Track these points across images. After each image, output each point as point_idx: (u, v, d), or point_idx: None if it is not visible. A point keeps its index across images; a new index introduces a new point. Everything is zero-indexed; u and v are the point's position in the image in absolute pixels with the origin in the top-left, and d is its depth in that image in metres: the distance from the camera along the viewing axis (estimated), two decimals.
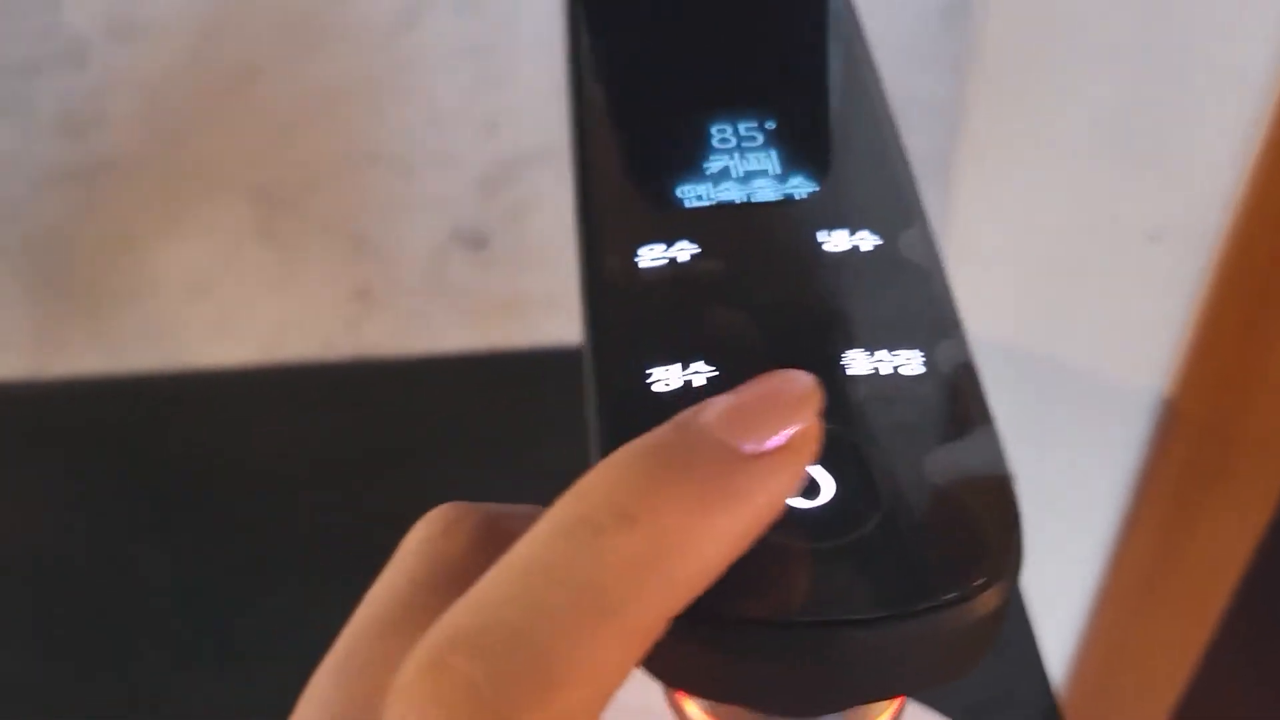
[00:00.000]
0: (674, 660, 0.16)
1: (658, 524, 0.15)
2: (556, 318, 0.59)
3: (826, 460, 0.16)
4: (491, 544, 0.20)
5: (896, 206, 0.20)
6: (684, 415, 0.16)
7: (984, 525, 0.16)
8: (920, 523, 0.16)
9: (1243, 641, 0.75)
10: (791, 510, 0.16)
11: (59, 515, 0.55)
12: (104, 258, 0.55)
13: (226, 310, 0.57)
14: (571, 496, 0.16)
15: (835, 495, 0.16)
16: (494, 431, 0.59)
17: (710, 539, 0.15)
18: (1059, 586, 0.73)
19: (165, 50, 0.48)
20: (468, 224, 0.55)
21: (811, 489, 0.16)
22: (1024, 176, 0.55)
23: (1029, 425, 0.65)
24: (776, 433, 0.15)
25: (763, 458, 0.15)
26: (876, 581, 0.15)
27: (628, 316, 0.18)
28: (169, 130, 0.50)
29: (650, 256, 0.19)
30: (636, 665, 0.15)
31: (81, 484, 0.57)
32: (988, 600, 0.15)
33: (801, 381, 0.16)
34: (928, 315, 0.18)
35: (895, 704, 0.18)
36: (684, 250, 0.19)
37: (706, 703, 0.19)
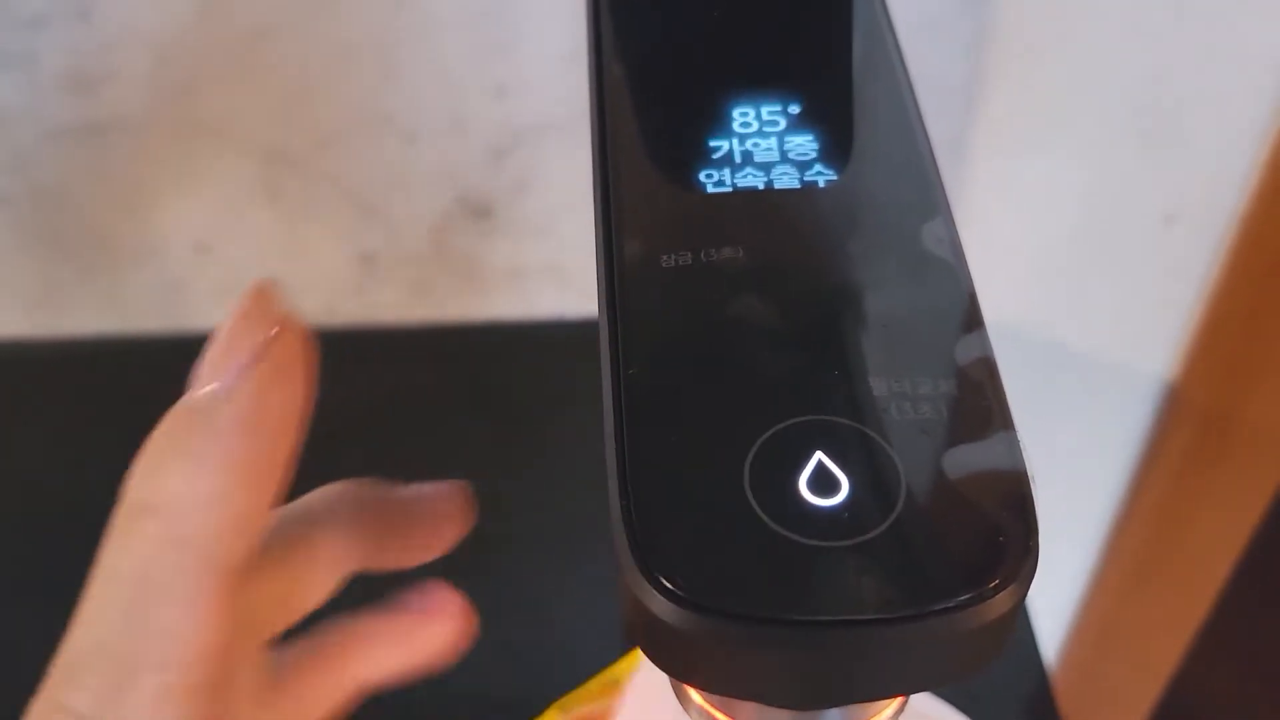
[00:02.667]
0: (685, 656, 0.16)
1: (171, 505, 0.16)
2: (557, 289, 0.59)
3: (842, 457, 0.16)
4: None
5: (920, 197, 0.19)
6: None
7: (1000, 527, 0.16)
8: (936, 523, 0.16)
9: (1235, 627, 0.75)
10: (807, 507, 0.16)
11: (61, 474, 0.55)
12: (110, 214, 0.55)
13: (232, 271, 0.57)
14: (123, 494, 0.17)
15: (850, 493, 0.16)
16: (494, 398, 0.58)
17: (221, 500, 0.16)
18: (1054, 566, 0.73)
19: (174, 7, 0.48)
20: (473, 192, 0.54)
21: (828, 486, 0.16)
22: (1040, 158, 0.54)
23: (1032, 405, 0.65)
24: (238, 358, 0.16)
25: (235, 390, 0.16)
26: (890, 581, 0.15)
27: (648, 305, 0.18)
28: (178, 88, 0.50)
29: (671, 244, 0.19)
30: (222, 635, 0.16)
31: (84, 443, 0.57)
32: (1001, 603, 0.15)
33: (249, 294, 0.17)
34: (950, 311, 0.18)
35: (899, 699, 0.18)
36: (706, 238, 0.19)
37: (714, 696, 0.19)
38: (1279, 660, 0.77)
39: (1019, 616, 0.50)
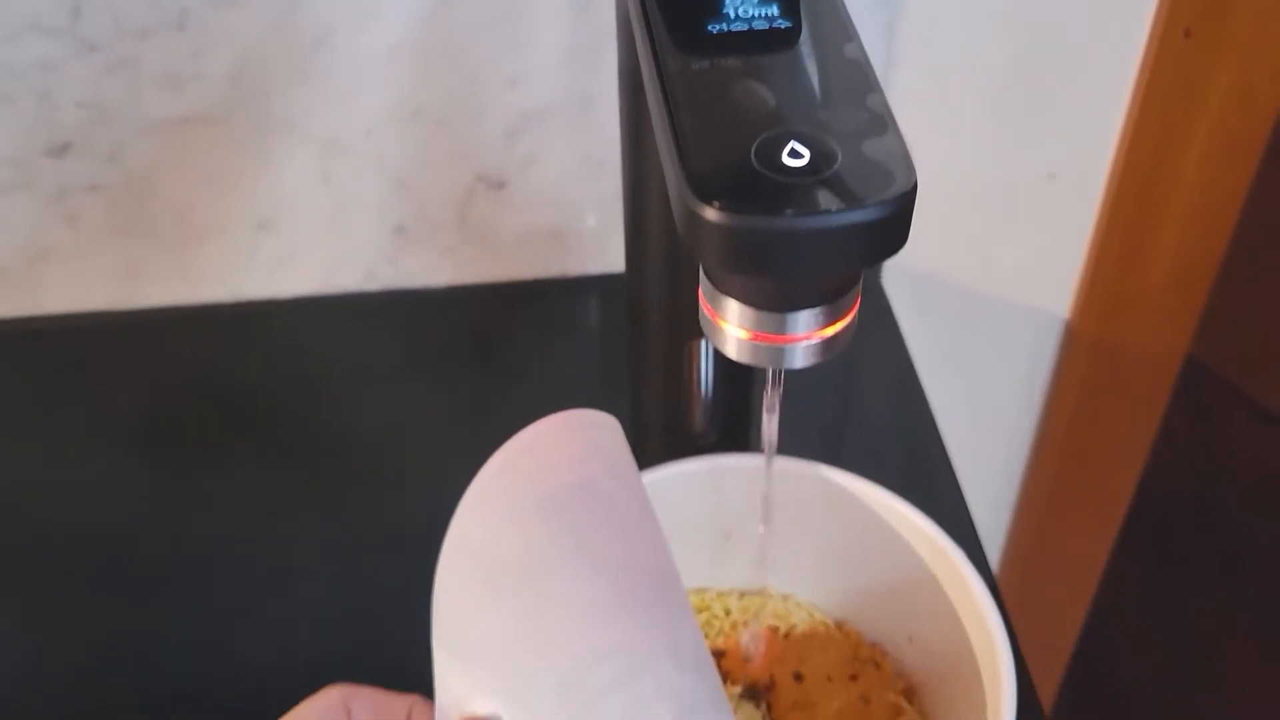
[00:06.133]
0: (720, 247, 0.28)
1: None
2: (559, 252, 0.71)
3: (807, 141, 0.28)
4: None
5: (841, 32, 0.32)
6: None
7: (892, 171, 0.28)
8: (857, 170, 0.28)
9: (1140, 540, 0.87)
10: (786, 166, 0.28)
11: (142, 432, 0.66)
12: (188, 197, 0.66)
13: (287, 246, 0.69)
14: None
15: (810, 159, 0.28)
16: (509, 348, 0.70)
17: None
18: (986, 486, 0.85)
19: (253, 18, 0.60)
20: (490, 168, 0.66)
21: (798, 156, 0.28)
22: (943, 126, 0.68)
23: (951, 348, 0.78)
24: None
25: None
26: (835, 196, 0.27)
27: (688, 87, 0.30)
28: (253, 86, 0.62)
29: (696, 57, 0.31)
30: None
31: (158, 402, 0.67)
32: (901, 201, 0.27)
33: None
34: (863, 84, 0.30)
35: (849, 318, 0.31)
36: (717, 53, 0.31)
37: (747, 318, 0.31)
38: (1181, 564, 0.89)
39: (968, 527, 0.60)
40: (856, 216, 0.27)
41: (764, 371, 0.36)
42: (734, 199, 0.27)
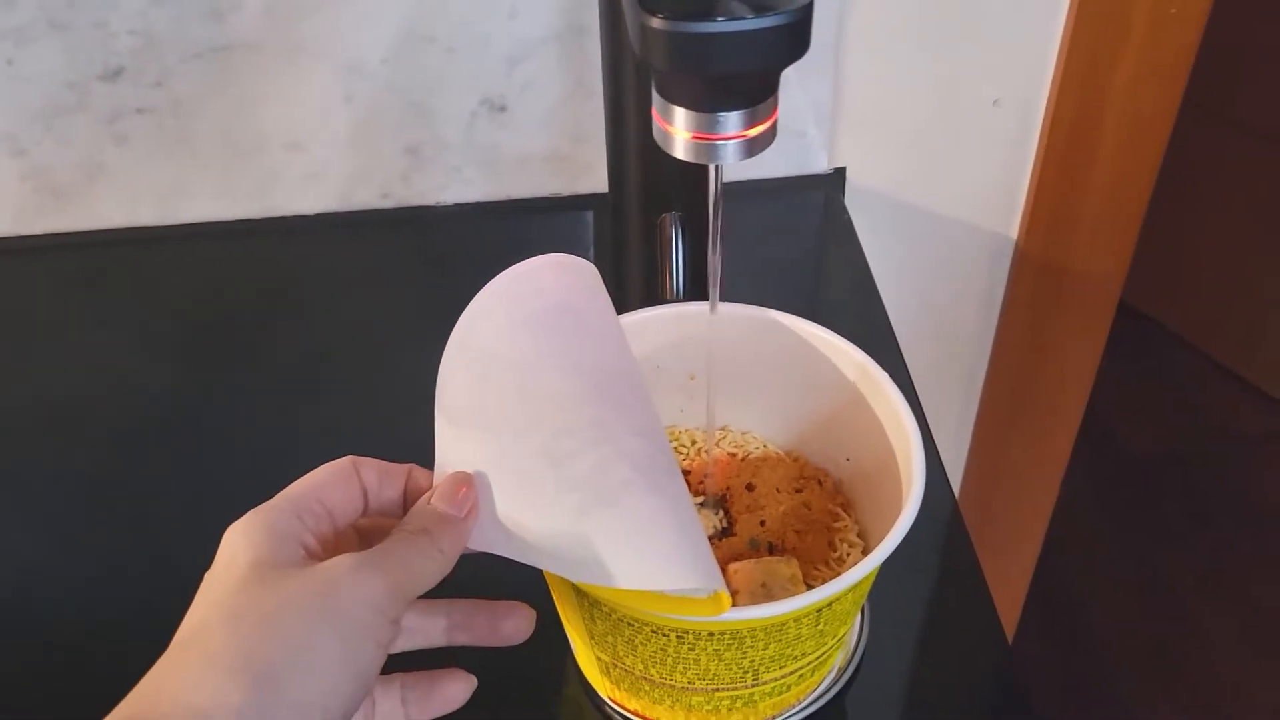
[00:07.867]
0: (663, 51, 0.36)
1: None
2: (555, 172, 0.79)
3: None
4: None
5: None
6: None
7: None
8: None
9: (1095, 451, 0.95)
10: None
11: (184, 333, 0.74)
12: (226, 120, 0.74)
13: (313, 167, 0.77)
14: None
15: None
16: (508, 259, 0.78)
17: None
18: (947, 402, 0.93)
19: None
20: (494, 93, 0.75)
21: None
22: (896, 55, 0.76)
23: (911, 269, 0.86)
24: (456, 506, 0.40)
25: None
26: (754, 7, 0.35)
27: None
28: (286, 15, 0.70)
29: None
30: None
31: (198, 306, 0.76)
32: (802, 11, 0.35)
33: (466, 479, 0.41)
34: None
35: (773, 114, 0.39)
36: None
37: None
38: (1132, 475, 0.97)
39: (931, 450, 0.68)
40: (768, 21, 0.35)
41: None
42: (673, 10, 0.35)
